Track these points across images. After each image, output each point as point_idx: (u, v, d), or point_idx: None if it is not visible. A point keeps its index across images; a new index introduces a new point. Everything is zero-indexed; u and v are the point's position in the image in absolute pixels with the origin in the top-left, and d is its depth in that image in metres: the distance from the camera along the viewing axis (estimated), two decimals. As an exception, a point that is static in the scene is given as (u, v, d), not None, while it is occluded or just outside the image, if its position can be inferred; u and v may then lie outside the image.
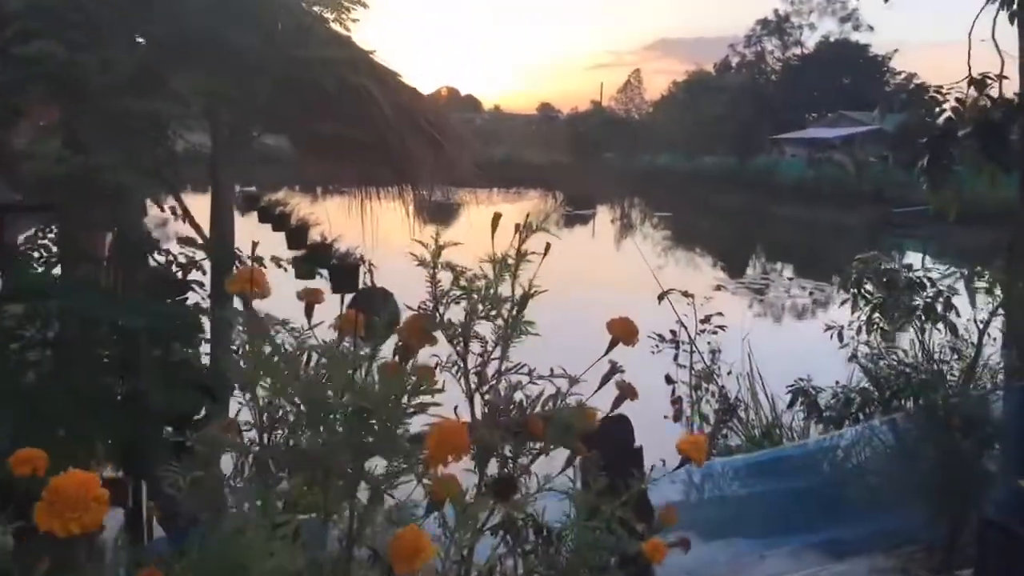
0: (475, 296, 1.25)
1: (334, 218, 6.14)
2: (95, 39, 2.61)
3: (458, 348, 1.24)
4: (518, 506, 1.23)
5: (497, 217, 1.40)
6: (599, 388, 1.32)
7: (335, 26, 3.47)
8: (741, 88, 50.97)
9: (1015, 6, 4.78)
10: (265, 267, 3.76)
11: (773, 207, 37.95)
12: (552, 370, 1.28)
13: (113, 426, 3.02)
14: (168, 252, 3.33)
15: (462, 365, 1.25)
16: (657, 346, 7.35)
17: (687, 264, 26.17)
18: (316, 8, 3.35)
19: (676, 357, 7.29)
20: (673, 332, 7.35)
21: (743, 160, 45.35)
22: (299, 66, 3.08)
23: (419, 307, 1.27)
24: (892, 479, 4.75)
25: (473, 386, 1.26)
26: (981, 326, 4.73)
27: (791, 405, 5.53)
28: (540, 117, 65.84)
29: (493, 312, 1.24)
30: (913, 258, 23.36)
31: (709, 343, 6.93)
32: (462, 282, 1.26)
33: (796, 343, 11.39)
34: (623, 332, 1.27)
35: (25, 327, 2.79)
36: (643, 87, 67.52)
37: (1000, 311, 4.63)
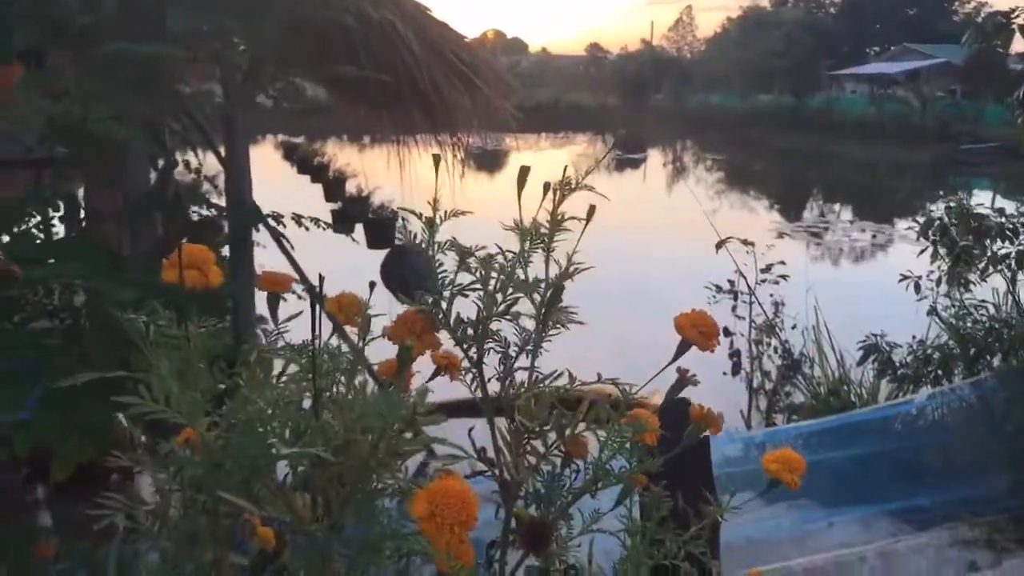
0: (491, 285, 0.93)
1: (376, 169, 5.87)
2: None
3: (471, 354, 0.93)
4: (556, 554, 0.92)
5: (525, 171, 1.07)
6: (663, 407, 1.00)
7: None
8: (798, 23, 48.75)
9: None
10: (284, 226, 3.49)
11: (832, 146, 36.51)
12: (600, 376, 0.96)
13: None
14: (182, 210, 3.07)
15: (476, 375, 0.93)
16: (714, 296, 6.96)
17: (742, 207, 25.34)
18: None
19: (735, 308, 6.89)
20: (731, 282, 6.95)
21: (800, 98, 43.61)
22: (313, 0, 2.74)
23: (419, 299, 0.96)
24: (976, 444, 4.37)
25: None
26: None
27: (861, 363, 5.11)
28: (588, 58, 64.20)
29: (515, 306, 0.91)
30: (983, 197, 22.26)
31: (771, 295, 6.50)
32: (473, 264, 0.94)
33: (863, 291, 10.86)
34: (698, 334, 0.94)
35: (26, 295, 2.57)
36: (695, 24, 65.23)
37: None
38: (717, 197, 27.73)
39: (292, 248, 3.21)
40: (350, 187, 6.16)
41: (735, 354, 6.93)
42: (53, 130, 2.47)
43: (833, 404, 5.61)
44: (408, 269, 3.98)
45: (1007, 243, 4.44)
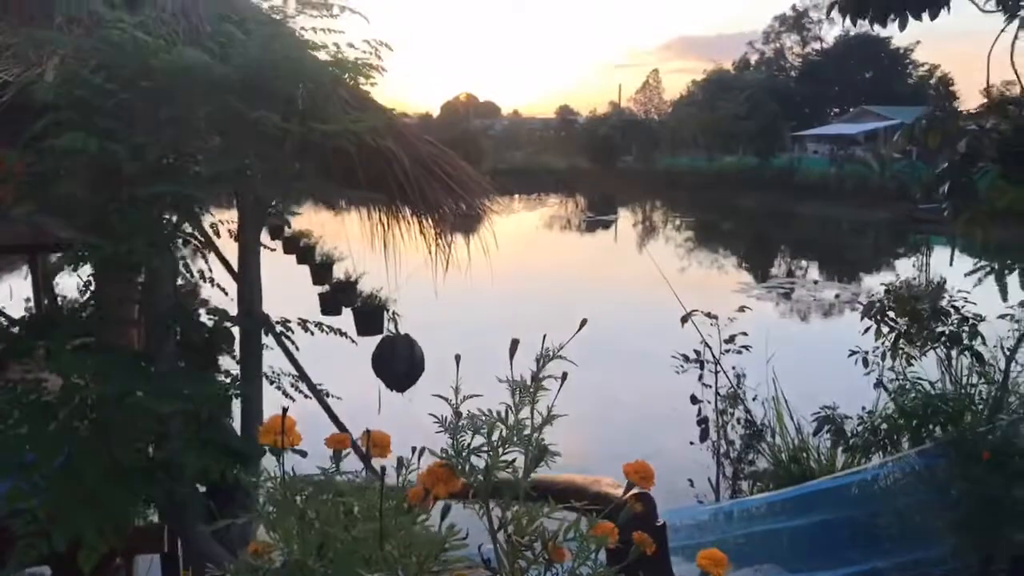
0: (497, 443, 1.29)
1: (355, 239, 6.22)
2: (125, 125, 2.69)
3: (481, 495, 1.28)
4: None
5: (515, 344, 1.45)
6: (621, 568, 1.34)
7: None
8: (760, 86, 50.58)
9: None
10: (291, 332, 3.82)
11: (797, 206, 37.67)
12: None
13: (148, 488, 3.12)
14: (197, 319, 3.41)
15: (484, 508, 1.29)
16: (682, 366, 7.38)
17: (711, 265, 26.10)
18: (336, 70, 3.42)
19: (701, 377, 7.30)
20: (697, 352, 7.36)
21: (764, 159, 45.04)
22: (322, 136, 3.15)
23: (441, 452, 1.30)
24: (925, 509, 4.73)
25: (497, 523, 1.31)
26: (1008, 352, 4.70)
27: (817, 433, 5.52)
28: (559, 121, 65.78)
29: (512, 458, 1.28)
30: (941, 254, 23.13)
31: (734, 367, 6.93)
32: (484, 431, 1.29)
33: (822, 355, 11.33)
34: (639, 478, 1.31)
35: (64, 403, 2.88)
36: (662, 87, 67.27)
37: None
38: (687, 255, 28.52)
39: (297, 349, 3.56)
40: (338, 270, 6.52)
41: (703, 421, 7.33)
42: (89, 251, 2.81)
43: (794, 471, 5.99)
44: (397, 361, 4.33)
45: (943, 324, 4.88)
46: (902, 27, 4.71)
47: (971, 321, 4.79)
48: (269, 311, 3.70)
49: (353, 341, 4.34)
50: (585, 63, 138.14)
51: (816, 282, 21.11)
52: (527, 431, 1.38)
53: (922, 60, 57.33)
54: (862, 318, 5.23)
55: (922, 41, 56.61)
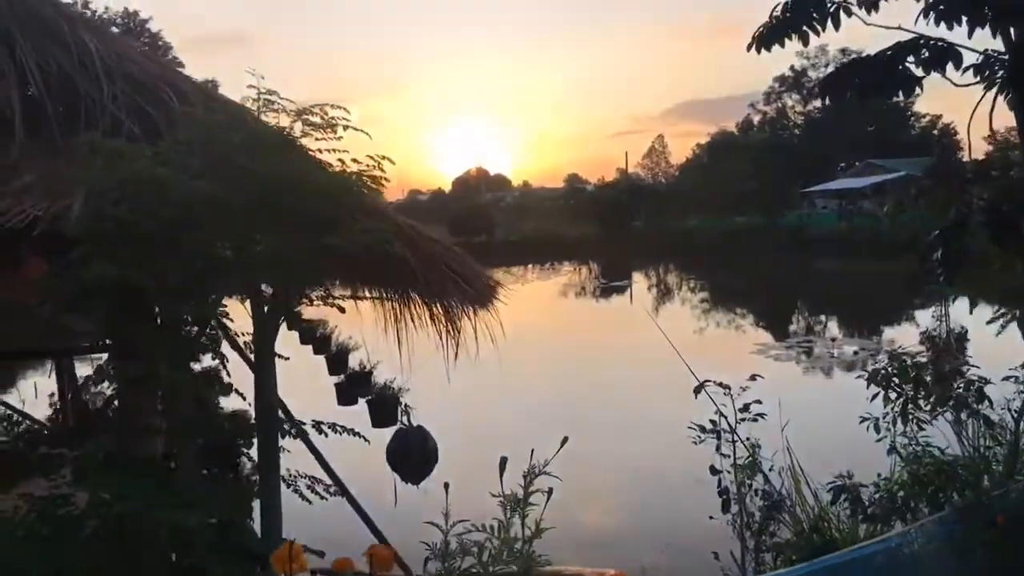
0: (488, 562, 1.40)
1: (370, 324, 6.37)
2: (148, 252, 2.88)
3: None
4: None
5: (503, 462, 1.57)
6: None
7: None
8: (765, 145, 51.31)
9: (1010, 93, 4.92)
10: (306, 434, 3.94)
11: (810, 261, 37.74)
12: None
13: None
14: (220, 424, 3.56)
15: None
16: (699, 436, 7.39)
17: (728, 326, 26.08)
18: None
19: (718, 447, 7.30)
20: (713, 422, 7.38)
21: (773, 217, 45.34)
22: (339, 249, 3.34)
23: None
24: (946, 576, 4.70)
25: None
26: (1016, 414, 4.73)
27: (833, 502, 5.51)
28: (568, 190, 66.76)
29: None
30: (959, 305, 23.01)
31: (748, 438, 6.93)
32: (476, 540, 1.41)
33: (842, 416, 11.25)
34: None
35: (92, 517, 3.00)
36: (667, 151, 68.38)
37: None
38: (704, 316, 28.54)
39: (313, 451, 3.68)
40: (355, 358, 6.66)
41: (724, 492, 7.30)
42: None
43: (816, 541, 5.95)
44: (411, 454, 4.43)
45: (947, 387, 4.93)
46: (880, 102, 4.90)
47: (977, 384, 4.84)
48: (292, 401, 3.82)
49: (366, 439, 4.46)
50: (591, 132, 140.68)
51: (834, 339, 21.02)
52: (518, 544, 1.49)
53: (924, 111, 58.02)
54: (868, 385, 5.29)
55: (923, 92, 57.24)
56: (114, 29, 41.26)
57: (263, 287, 3.21)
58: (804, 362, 18.29)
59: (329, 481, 4.22)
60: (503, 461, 1.51)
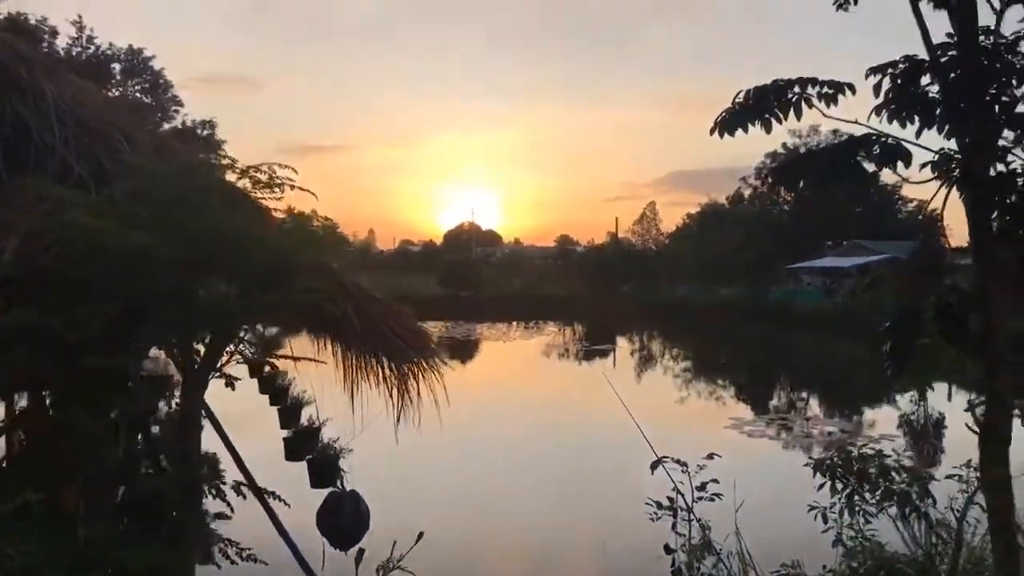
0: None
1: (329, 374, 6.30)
2: (71, 302, 2.87)
3: None
4: None
5: (360, 555, 1.54)
6: None
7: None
8: (754, 219, 52.00)
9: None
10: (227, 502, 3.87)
11: (792, 337, 37.90)
12: None
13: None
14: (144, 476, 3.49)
15: None
16: (655, 513, 7.31)
17: (708, 397, 25.98)
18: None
19: (674, 525, 7.21)
20: (670, 499, 7.31)
21: (760, 291, 45.69)
22: (274, 307, 3.34)
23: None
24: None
25: None
26: (958, 513, 4.70)
27: (778, 595, 5.43)
28: (558, 250, 67.23)
29: None
30: (939, 388, 23.03)
31: (700, 519, 6.86)
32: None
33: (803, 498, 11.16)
34: None
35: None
36: (658, 218, 69.19)
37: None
38: (684, 386, 28.45)
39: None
40: (305, 414, 6.59)
41: (677, 572, 7.18)
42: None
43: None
44: (341, 518, 4.35)
45: (893, 479, 4.91)
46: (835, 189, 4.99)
47: (921, 479, 4.82)
48: (247, 449, 3.71)
49: (286, 503, 4.38)
50: (584, 195, 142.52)
51: (808, 419, 20.96)
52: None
53: (911, 196, 59.02)
54: (814, 474, 5.26)
55: (909, 179, 58.37)
56: (116, 66, 41.94)
57: (194, 342, 3.18)
58: (777, 440, 18.19)
59: (249, 547, 4.13)
60: (359, 554, 1.49)
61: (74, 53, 40.50)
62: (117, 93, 41.37)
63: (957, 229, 5.24)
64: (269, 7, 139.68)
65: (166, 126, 42.78)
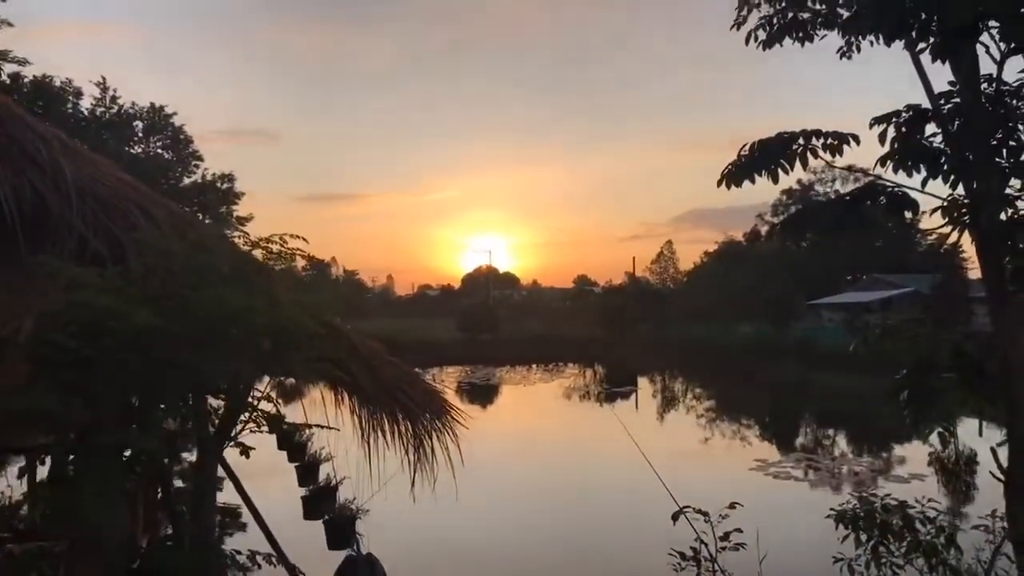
0: None
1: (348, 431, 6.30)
2: (87, 380, 2.92)
3: None
4: None
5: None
6: None
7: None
8: (773, 256, 51.81)
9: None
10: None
11: (815, 375, 37.43)
12: None
13: None
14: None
15: None
16: (679, 564, 7.19)
17: (732, 437, 25.62)
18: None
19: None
20: (694, 549, 7.20)
21: (780, 328, 45.31)
22: (284, 375, 3.37)
23: None
24: None
25: None
26: (986, 565, 4.59)
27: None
28: (576, 290, 67.25)
29: None
30: (969, 424, 22.59)
31: (724, 572, 6.74)
32: None
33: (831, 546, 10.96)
34: None
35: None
36: (676, 257, 69.11)
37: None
38: (707, 426, 28.10)
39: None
40: (324, 471, 6.59)
41: (701, 632, 7.03)
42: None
43: None
44: (355, 581, 4.33)
45: (920, 531, 4.82)
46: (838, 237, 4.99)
47: (945, 529, 4.73)
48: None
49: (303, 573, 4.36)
50: (601, 235, 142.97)
51: (835, 458, 20.60)
52: None
53: (930, 228, 58.57)
54: (836, 526, 5.17)
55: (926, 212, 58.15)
56: (139, 123, 42.95)
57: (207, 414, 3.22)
58: (803, 481, 17.87)
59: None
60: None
61: (98, 113, 41.54)
62: (139, 150, 42.31)
63: (976, 257, 5.20)
64: (285, 61, 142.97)
65: (186, 180, 43.61)
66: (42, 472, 6.94)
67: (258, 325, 3.20)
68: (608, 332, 52.92)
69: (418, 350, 33.14)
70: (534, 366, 46.52)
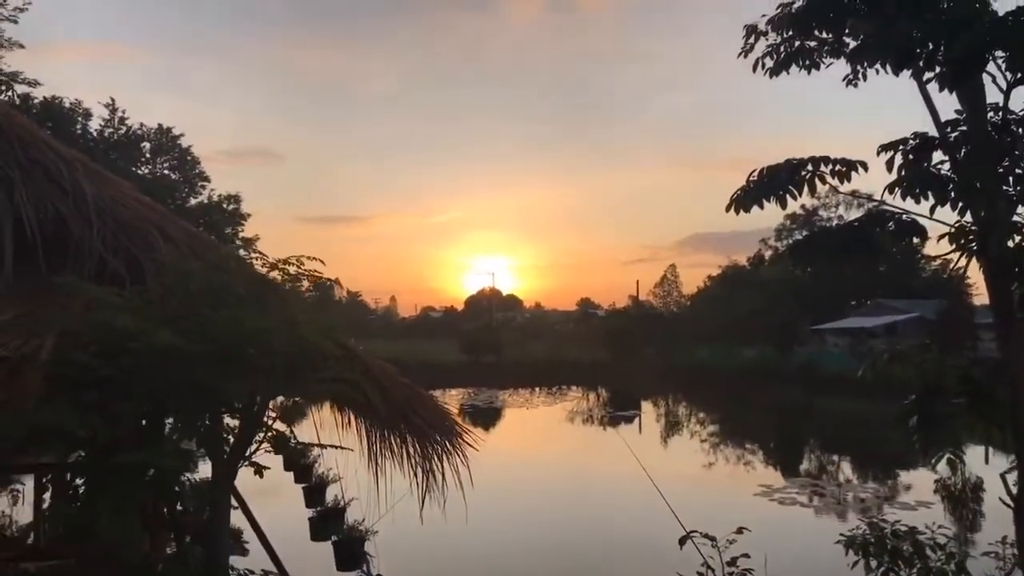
0: None
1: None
2: (106, 398, 2.95)
3: None
4: None
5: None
6: None
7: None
8: (777, 280, 51.79)
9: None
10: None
11: (820, 400, 37.29)
12: None
13: None
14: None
15: None
16: (686, 589, 7.16)
17: (737, 462, 25.48)
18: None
19: (706, 602, 7.06)
20: (700, 575, 7.18)
21: (784, 352, 45.18)
22: (300, 396, 3.40)
23: None
24: None
25: None
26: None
27: None
28: (579, 313, 67.20)
29: None
30: (976, 450, 22.45)
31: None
32: None
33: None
34: None
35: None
36: (679, 281, 69.14)
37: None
38: (711, 451, 27.95)
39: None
40: (331, 492, 6.59)
41: (710, 655, 6.98)
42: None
43: None
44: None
45: (931, 558, 4.80)
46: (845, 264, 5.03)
47: (957, 558, 4.72)
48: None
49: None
50: (605, 258, 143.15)
51: (841, 484, 20.48)
52: None
53: (935, 254, 58.62)
54: (846, 552, 5.16)
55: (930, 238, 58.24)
56: (146, 144, 43.33)
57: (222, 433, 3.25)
58: (809, 507, 17.75)
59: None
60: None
61: (106, 134, 41.91)
62: (147, 171, 42.63)
63: (982, 283, 5.23)
64: (289, 83, 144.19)
65: (193, 201, 43.88)
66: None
67: (274, 345, 3.24)
68: (612, 355, 52.80)
69: (421, 372, 32.99)
70: (537, 389, 46.39)
